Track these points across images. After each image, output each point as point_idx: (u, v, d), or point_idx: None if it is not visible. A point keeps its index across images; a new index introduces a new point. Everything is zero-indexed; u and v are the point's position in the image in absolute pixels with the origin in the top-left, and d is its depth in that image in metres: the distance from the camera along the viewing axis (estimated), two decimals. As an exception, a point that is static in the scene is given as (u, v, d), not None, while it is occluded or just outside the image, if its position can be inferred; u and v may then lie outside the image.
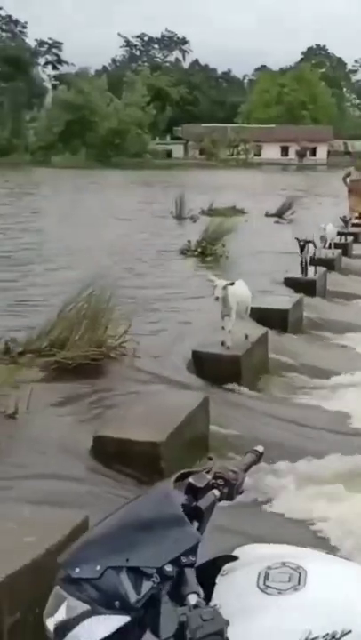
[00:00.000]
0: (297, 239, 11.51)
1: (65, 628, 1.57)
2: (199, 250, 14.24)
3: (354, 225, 19.40)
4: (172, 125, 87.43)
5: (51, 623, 1.60)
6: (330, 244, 14.46)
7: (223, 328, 7.23)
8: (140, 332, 7.54)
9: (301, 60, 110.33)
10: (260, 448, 2.11)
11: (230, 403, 6.70)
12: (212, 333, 7.54)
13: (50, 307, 7.77)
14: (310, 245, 11.52)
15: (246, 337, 7.48)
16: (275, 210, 22.27)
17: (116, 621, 1.54)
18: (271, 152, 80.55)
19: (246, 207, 23.31)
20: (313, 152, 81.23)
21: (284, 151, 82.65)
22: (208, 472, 1.86)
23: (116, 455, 4.95)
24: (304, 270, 11.59)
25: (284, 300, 9.77)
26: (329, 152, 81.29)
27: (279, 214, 21.90)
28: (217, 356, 7.16)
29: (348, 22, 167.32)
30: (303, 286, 11.14)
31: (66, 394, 6.17)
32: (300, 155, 79.63)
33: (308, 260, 11.58)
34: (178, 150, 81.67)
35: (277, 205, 22.49)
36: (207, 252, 14.16)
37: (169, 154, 78.93)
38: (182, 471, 1.82)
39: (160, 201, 25.41)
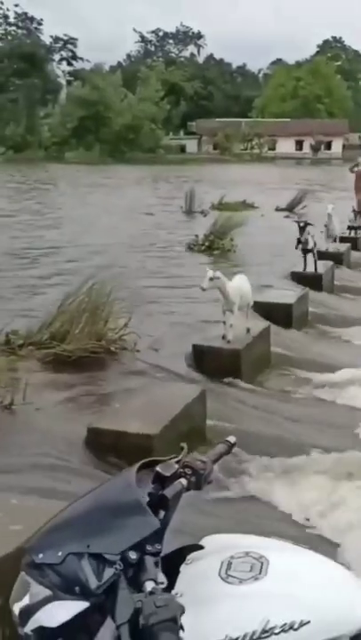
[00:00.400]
0: (296, 222, 11.41)
1: (28, 612, 1.59)
2: (207, 244, 14.21)
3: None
4: (186, 120, 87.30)
5: (17, 608, 1.62)
6: (335, 237, 13.79)
7: (224, 323, 7.21)
8: (142, 326, 7.56)
9: (317, 53, 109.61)
10: (231, 439, 2.11)
11: (229, 396, 6.69)
12: (213, 327, 7.53)
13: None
14: (310, 229, 11.09)
15: (248, 331, 7.47)
16: (285, 204, 22.18)
17: (76, 607, 1.56)
18: (286, 146, 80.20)
19: (257, 201, 23.25)
20: (328, 146, 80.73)
21: (299, 145, 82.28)
22: (178, 462, 1.87)
23: (109, 447, 4.96)
24: (304, 262, 11.26)
25: (288, 294, 9.73)
26: (344, 146, 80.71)
27: (290, 208, 21.81)
28: (217, 349, 7.15)
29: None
30: (310, 281, 11.08)
31: (64, 386, 6.21)
32: (315, 148, 79.18)
33: (313, 251, 11.22)
34: (192, 145, 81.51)
35: (288, 200, 22.39)
36: (215, 246, 14.12)
37: (183, 149, 78.80)
38: (148, 459, 1.83)
39: (171, 196, 25.41)
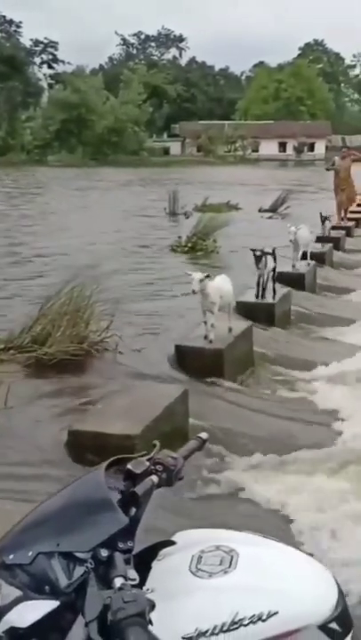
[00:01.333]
0: (252, 250, 9.10)
1: (0, 614, 1.58)
2: (189, 245, 14.22)
3: (335, 228, 17.15)
4: (169, 123, 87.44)
5: None
6: (304, 252, 11.92)
7: (205, 323, 7.21)
8: (124, 328, 7.55)
9: (299, 55, 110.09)
10: (203, 435, 2.11)
11: (212, 396, 6.70)
12: (195, 328, 7.54)
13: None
14: (269, 258, 9.04)
15: (230, 330, 7.48)
16: (269, 205, 22.24)
17: (46, 606, 1.55)
18: (269, 148, 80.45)
19: (241, 203, 23.28)
20: (311, 147, 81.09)
21: (282, 147, 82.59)
22: (149, 459, 1.86)
23: (90, 448, 4.93)
24: (261, 291, 9.23)
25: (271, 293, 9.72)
26: (327, 147, 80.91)
27: (273, 209, 21.87)
28: (199, 349, 7.16)
29: (346, 17, 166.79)
30: (293, 280, 11.11)
31: (45, 389, 6.19)
32: (298, 150, 79.54)
33: (268, 277, 9.28)
34: (175, 148, 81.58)
35: (272, 200, 22.45)
36: (198, 247, 14.13)
37: (166, 151, 78.84)
38: (118, 457, 1.83)
39: (154, 198, 25.40)
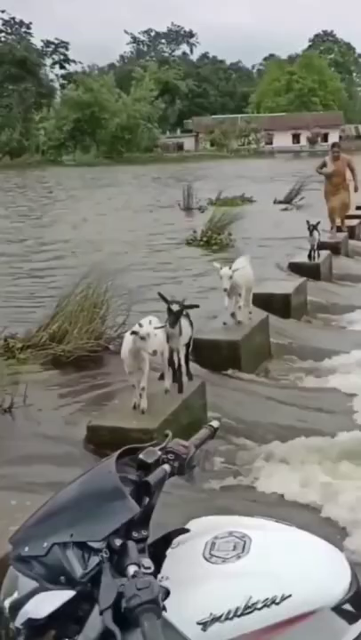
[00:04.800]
0: (307, 222, 11.44)
1: (18, 606, 1.60)
2: (205, 239, 14.22)
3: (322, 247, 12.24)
4: (182, 118, 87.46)
5: (7, 603, 1.63)
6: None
7: (226, 309, 7.28)
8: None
9: (309, 47, 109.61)
10: (215, 423, 2.12)
11: (229, 388, 6.70)
12: (212, 320, 7.52)
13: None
14: (315, 232, 11.36)
15: (250, 313, 7.63)
16: (283, 197, 22.15)
17: (62, 596, 1.57)
18: (283, 140, 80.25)
19: (255, 195, 23.21)
20: (325, 138, 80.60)
21: (296, 138, 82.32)
22: (161, 448, 1.87)
23: (109, 444, 4.94)
24: (312, 254, 11.51)
25: (286, 284, 9.72)
26: (340, 137, 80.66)
27: (288, 201, 21.77)
28: (216, 342, 7.14)
29: (355, 6, 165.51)
30: (308, 270, 11.09)
31: (64, 386, 6.23)
32: (312, 141, 79.16)
33: (316, 245, 11.48)
34: (189, 143, 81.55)
35: (286, 192, 22.35)
36: (213, 241, 14.12)
37: (180, 147, 78.86)
38: (129, 446, 1.84)
39: (170, 193, 25.41)
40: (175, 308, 5.35)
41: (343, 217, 15.56)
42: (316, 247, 11.46)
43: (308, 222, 11.41)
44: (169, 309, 5.37)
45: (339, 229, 14.98)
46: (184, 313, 5.46)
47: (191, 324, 5.72)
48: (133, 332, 4.96)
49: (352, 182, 15.13)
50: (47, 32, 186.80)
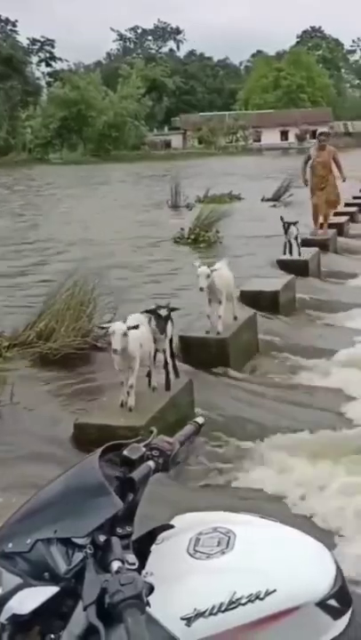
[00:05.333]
0: (281, 218, 11.32)
1: (1, 602, 1.59)
2: (192, 237, 14.20)
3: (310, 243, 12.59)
4: (169, 116, 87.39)
5: None
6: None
7: (208, 317, 7.12)
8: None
9: (297, 43, 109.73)
10: (200, 419, 2.12)
11: (218, 385, 6.71)
12: (199, 318, 7.52)
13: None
14: (294, 227, 11.19)
15: (235, 318, 7.47)
16: (271, 194, 22.17)
17: (46, 592, 1.56)
18: (271, 137, 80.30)
19: (243, 193, 23.23)
20: (313, 135, 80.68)
21: (284, 135, 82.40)
22: (146, 445, 1.87)
23: (96, 441, 4.91)
24: (288, 250, 11.31)
25: (274, 281, 9.72)
26: (329, 134, 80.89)
27: (276, 198, 21.80)
28: (204, 339, 7.15)
29: (343, 3, 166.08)
30: (296, 267, 11.08)
31: (51, 384, 6.22)
32: (300, 138, 79.23)
33: (294, 241, 11.25)
34: (177, 140, 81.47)
35: (274, 189, 22.37)
36: (200, 238, 14.11)
37: (168, 144, 78.78)
38: (113, 442, 1.84)
39: (157, 191, 25.39)
40: (163, 312, 5.47)
41: (328, 214, 14.41)
42: (293, 242, 11.24)
43: (282, 219, 11.26)
44: (158, 315, 5.45)
45: (321, 226, 14.15)
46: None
47: (172, 321, 5.75)
48: (101, 327, 5.03)
49: (339, 177, 14.41)
50: (33, 30, 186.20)
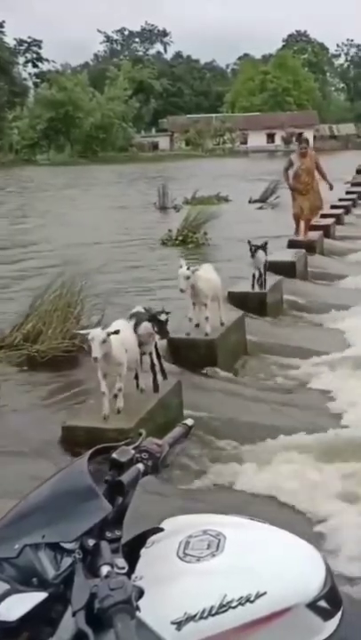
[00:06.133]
0: (248, 242, 9.16)
1: None
2: (180, 238, 14.23)
3: (296, 243, 12.76)
4: (157, 118, 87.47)
5: None
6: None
7: (190, 319, 7.09)
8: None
9: (283, 46, 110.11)
10: (189, 421, 2.10)
11: (206, 386, 6.70)
12: (187, 320, 7.50)
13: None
14: (262, 252, 9.06)
15: (222, 323, 7.43)
16: (258, 196, 22.22)
17: (34, 598, 1.54)
18: (257, 140, 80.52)
19: (231, 194, 23.28)
20: (299, 137, 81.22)
21: (271, 138, 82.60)
22: (135, 447, 1.86)
23: (84, 444, 4.89)
24: (258, 282, 9.24)
25: (261, 283, 9.68)
26: (315, 137, 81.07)
27: (263, 200, 21.86)
28: (192, 341, 7.14)
29: (328, 6, 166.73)
30: (284, 269, 11.08)
31: (38, 387, 6.20)
32: (286, 141, 79.30)
33: (262, 269, 9.20)
34: (164, 142, 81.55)
35: (261, 191, 22.43)
36: (188, 240, 14.14)
37: (155, 146, 78.89)
38: (101, 445, 1.82)
39: (145, 193, 25.42)
40: (164, 317, 5.45)
41: (310, 220, 13.75)
42: (262, 271, 9.19)
43: (249, 243, 9.11)
44: (158, 320, 5.43)
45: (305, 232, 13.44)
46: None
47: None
48: (79, 334, 5.03)
49: (322, 182, 13.81)
50: (20, 30, 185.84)
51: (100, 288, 8.37)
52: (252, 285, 9.23)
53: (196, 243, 14.12)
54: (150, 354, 5.60)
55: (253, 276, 9.20)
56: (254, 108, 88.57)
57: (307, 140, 14.62)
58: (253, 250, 8.94)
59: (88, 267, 9.71)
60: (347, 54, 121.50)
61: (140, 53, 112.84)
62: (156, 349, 5.76)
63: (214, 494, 4.88)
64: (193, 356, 7.08)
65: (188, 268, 6.67)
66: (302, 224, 13.54)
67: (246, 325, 8.08)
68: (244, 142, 79.68)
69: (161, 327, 5.44)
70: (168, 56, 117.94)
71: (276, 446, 5.48)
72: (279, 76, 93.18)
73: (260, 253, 9.00)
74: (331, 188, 14.10)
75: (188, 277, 6.61)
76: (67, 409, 5.69)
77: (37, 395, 6.03)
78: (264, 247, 9.13)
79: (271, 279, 9.65)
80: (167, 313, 5.56)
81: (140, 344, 5.42)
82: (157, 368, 5.67)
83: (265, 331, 8.63)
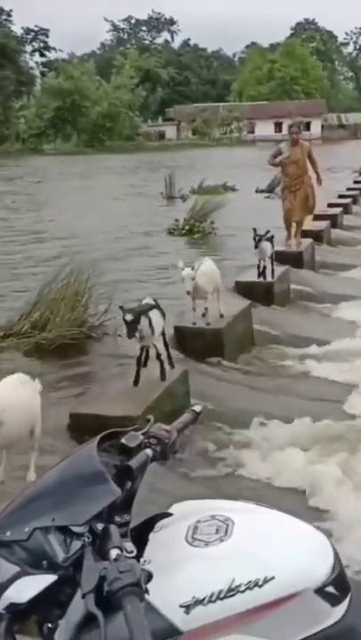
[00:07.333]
0: (254, 230, 8.93)
1: (0, 591, 1.60)
2: (187, 228, 14.22)
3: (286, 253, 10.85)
4: (163, 107, 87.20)
5: None
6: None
7: (194, 310, 7.12)
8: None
9: (291, 35, 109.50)
10: (197, 408, 2.12)
11: (212, 376, 6.73)
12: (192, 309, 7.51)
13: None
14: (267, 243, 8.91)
15: (221, 316, 7.38)
16: (265, 186, 22.15)
17: (44, 580, 1.57)
18: (265, 129, 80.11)
19: (237, 184, 23.22)
20: (307, 126, 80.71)
21: (278, 127, 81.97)
22: (144, 433, 1.87)
23: (91, 432, 4.88)
24: (262, 272, 9.13)
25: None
26: (323, 126, 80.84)
27: (270, 189, 21.77)
28: (199, 330, 7.16)
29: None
30: (291, 259, 11.06)
31: (46, 374, 6.16)
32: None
33: (268, 260, 9.12)
34: (171, 131, 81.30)
35: (268, 181, 22.35)
36: (195, 229, 14.13)
37: (162, 135, 78.64)
38: (111, 430, 1.84)
39: (151, 182, 25.36)
40: (129, 318, 5.19)
41: (301, 224, 11.98)
42: (266, 263, 9.09)
43: (254, 231, 8.86)
44: (124, 320, 5.23)
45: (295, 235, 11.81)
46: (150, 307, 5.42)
47: (163, 314, 5.68)
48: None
49: (314, 176, 12.02)
50: (27, 19, 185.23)
51: (108, 277, 8.36)
52: (258, 275, 9.17)
53: (202, 232, 14.10)
54: (154, 345, 5.55)
55: (258, 266, 9.15)
56: (262, 97, 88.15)
57: (298, 126, 12.72)
58: (258, 240, 8.78)
59: (95, 256, 9.72)
60: (356, 42, 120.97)
61: (147, 42, 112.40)
62: (164, 339, 5.75)
63: (221, 481, 4.91)
64: (199, 345, 7.10)
65: (192, 269, 6.65)
66: (293, 228, 11.87)
67: (253, 315, 8.08)
68: (252, 131, 79.35)
69: (126, 326, 5.20)
70: (175, 45, 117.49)
71: (284, 435, 5.50)
72: (287, 64, 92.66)
73: (265, 244, 8.90)
74: (319, 183, 12.11)
75: (193, 278, 6.63)
76: (74, 396, 5.71)
77: (45, 382, 5.98)
78: (270, 238, 9.02)
79: (278, 269, 9.65)
80: (142, 312, 5.29)
81: (142, 338, 5.35)
82: (164, 357, 5.67)
83: (272, 320, 8.62)
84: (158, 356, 5.63)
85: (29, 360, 6.45)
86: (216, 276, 7.29)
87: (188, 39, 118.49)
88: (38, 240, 13.79)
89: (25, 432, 3.57)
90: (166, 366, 5.69)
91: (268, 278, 9.25)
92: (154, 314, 5.43)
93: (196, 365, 6.68)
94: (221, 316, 7.39)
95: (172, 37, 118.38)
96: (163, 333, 5.72)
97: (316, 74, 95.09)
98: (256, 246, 8.85)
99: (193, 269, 6.67)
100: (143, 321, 5.26)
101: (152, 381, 5.57)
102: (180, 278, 6.80)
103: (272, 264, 9.29)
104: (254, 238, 8.81)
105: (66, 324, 6.79)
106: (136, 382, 5.46)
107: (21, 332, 6.86)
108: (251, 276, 9.34)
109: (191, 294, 6.86)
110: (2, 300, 8.41)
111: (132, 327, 5.17)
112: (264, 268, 9.15)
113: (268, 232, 9.06)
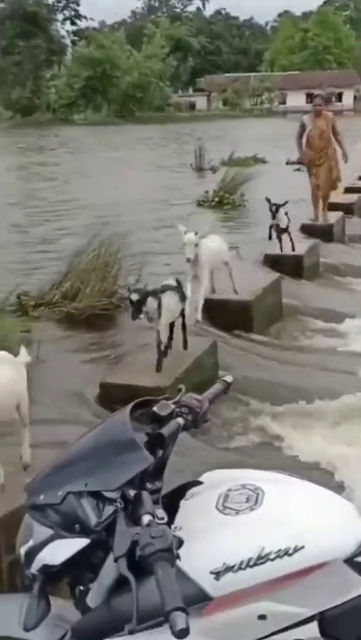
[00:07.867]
0: (268, 200, 8.91)
1: (33, 553, 1.64)
2: (217, 200, 14.13)
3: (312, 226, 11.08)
4: (194, 77, 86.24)
5: (22, 551, 1.67)
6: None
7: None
8: (153, 282, 7.53)
9: (324, 3, 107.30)
10: (228, 378, 2.14)
11: (241, 348, 6.73)
12: (222, 280, 7.50)
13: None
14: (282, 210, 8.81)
15: (236, 292, 7.16)
16: (296, 157, 21.88)
17: (77, 544, 1.61)
18: (296, 99, 78.85)
19: (268, 156, 22.98)
20: (339, 97, 79.41)
21: (310, 98, 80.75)
22: (175, 402, 1.90)
23: (121, 401, 4.93)
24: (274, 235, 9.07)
25: (298, 245, 9.60)
26: (355, 97, 79.47)
27: (300, 162, 21.51)
28: (227, 302, 7.15)
29: None
30: (321, 232, 10.99)
31: (76, 344, 6.27)
32: (326, 101, 77.97)
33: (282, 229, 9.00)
34: (201, 102, 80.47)
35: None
36: (225, 201, 14.04)
37: (192, 106, 77.88)
38: (143, 398, 1.87)
39: (181, 153, 25.23)
40: (135, 297, 5.02)
41: (327, 198, 11.71)
42: (283, 228, 8.99)
43: (268, 201, 8.86)
44: (129, 299, 5.11)
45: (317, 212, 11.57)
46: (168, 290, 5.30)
47: (183, 297, 5.53)
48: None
49: (339, 149, 11.59)
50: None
51: (137, 248, 8.37)
52: (281, 248, 9.11)
53: (232, 204, 14.02)
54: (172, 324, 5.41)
55: (270, 231, 9.10)
56: (294, 67, 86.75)
57: (322, 96, 12.41)
58: (274, 209, 8.77)
59: (125, 227, 9.70)
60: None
61: (179, 10, 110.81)
62: (183, 321, 5.62)
63: (244, 453, 4.93)
64: (227, 317, 7.10)
65: (195, 234, 6.47)
66: (320, 203, 11.64)
67: (282, 288, 8.06)
68: (283, 102, 78.24)
69: (134, 307, 5.04)
70: (207, 13, 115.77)
71: (311, 409, 5.51)
72: (320, 33, 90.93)
73: (282, 214, 8.82)
74: (345, 160, 11.71)
75: (196, 245, 6.44)
76: (104, 366, 5.75)
77: (75, 352, 6.09)
78: (284, 205, 8.90)
79: (308, 242, 9.60)
80: (147, 295, 5.09)
81: (150, 319, 5.19)
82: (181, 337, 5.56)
83: (301, 294, 8.59)
84: (183, 326, 5.52)
85: (60, 330, 6.51)
86: (218, 253, 6.99)
87: (221, 8, 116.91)
88: (68, 209, 13.81)
89: (7, 410, 3.51)
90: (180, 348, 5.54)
91: (286, 250, 9.14)
92: (168, 297, 5.21)
93: (224, 337, 6.69)
94: (235, 292, 7.23)
95: (204, 5, 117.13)
96: (182, 314, 5.56)
97: (349, 43, 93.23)
98: (274, 217, 8.82)
99: (196, 234, 6.48)
100: (152, 302, 5.07)
101: (181, 352, 5.59)
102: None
103: (290, 234, 9.16)
104: (270, 209, 8.78)
105: (96, 294, 6.82)
106: (158, 368, 5.21)
107: (52, 301, 6.91)
108: (277, 249, 9.27)
109: (191, 268, 6.60)
110: (33, 271, 8.45)
111: (136, 307, 5.01)
112: (279, 236, 9.05)
113: (286, 202, 8.98)
